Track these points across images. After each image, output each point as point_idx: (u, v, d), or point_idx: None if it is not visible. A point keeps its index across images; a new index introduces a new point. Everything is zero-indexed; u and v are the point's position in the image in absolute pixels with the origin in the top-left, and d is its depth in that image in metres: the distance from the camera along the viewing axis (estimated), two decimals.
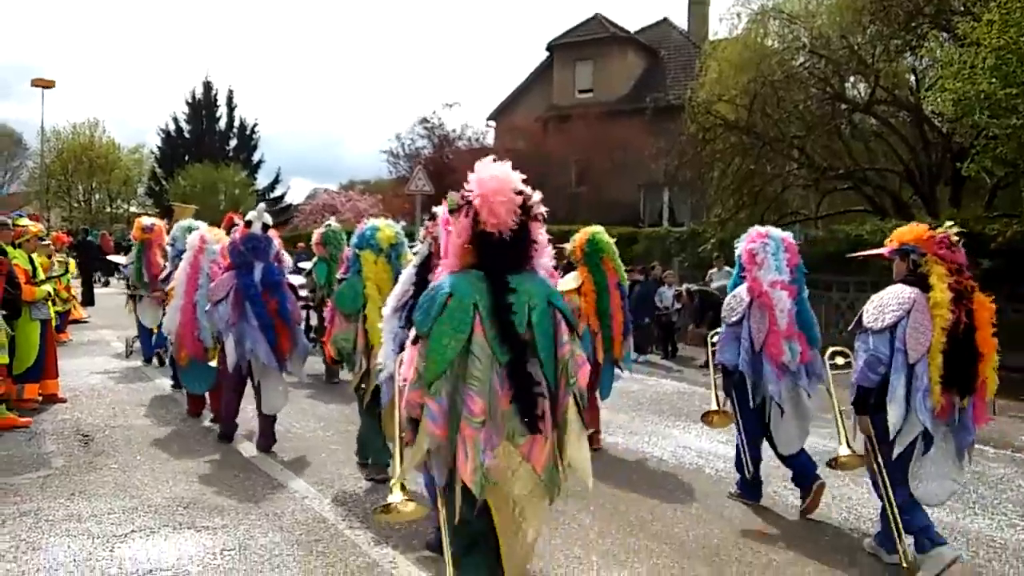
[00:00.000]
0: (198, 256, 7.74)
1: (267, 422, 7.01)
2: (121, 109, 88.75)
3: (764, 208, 17.73)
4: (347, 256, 6.23)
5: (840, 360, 5.30)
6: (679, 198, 24.96)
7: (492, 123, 33.15)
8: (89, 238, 23.90)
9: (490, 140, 32.71)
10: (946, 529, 5.45)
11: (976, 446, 7.60)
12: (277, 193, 47.13)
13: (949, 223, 4.76)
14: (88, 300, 19.08)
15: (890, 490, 4.60)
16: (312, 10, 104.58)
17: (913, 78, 18.04)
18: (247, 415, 7.99)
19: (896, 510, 4.58)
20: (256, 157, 47.63)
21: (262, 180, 46.83)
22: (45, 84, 40.39)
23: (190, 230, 8.44)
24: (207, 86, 47.53)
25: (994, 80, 11.08)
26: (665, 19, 33.03)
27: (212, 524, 5.16)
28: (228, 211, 11.86)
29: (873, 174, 18.29)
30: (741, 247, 5.76)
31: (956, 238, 4.61)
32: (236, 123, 47.91)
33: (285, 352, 6.89)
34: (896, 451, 4.50)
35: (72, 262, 14.86)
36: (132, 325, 12.15)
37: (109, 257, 18.96)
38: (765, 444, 5.81)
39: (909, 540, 4.64)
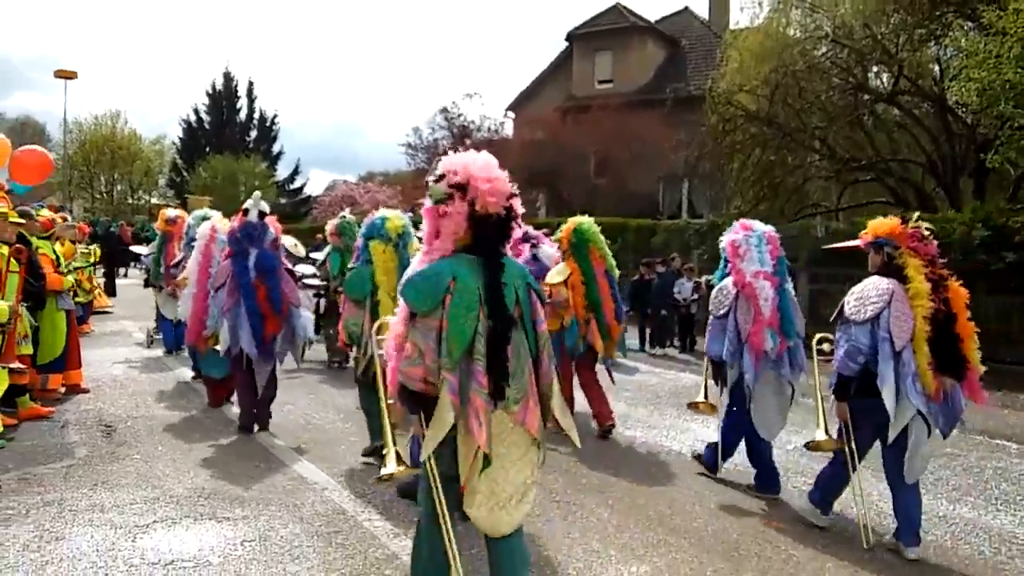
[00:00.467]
0: (209, 245, 7.89)
1: (261, 403, 7.31)
2: (142, 100, 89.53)
3: (785, 200, 17.64)
4: (357, 245, 6.39)
5: (827, 347, 5.42)
6: (698, 190, 24.83)
7: (511, 114, 33.12)
8: (111, 229, 24.12)
9: (509, 131, 32.71)
10: (968, 525, 5.42)
11: (998, 442, 7.65)
12: (297, 184, 47.44)
13: (916, 216, 5.01)
14: (111, 291, 19.28)
15: (857, 464, 4.96)
16: (331, 1, 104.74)
17: (937, 68, 17.84)
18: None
19: (862, 493, 4.99)
20: (276, 148, 47.96)
21: (282, 171, 47.15)
22: (67, 75, 40.70)
23: (205, 219, 8.57)
24: (227, 77, 47.86)
25: (1020, 69, 10.96)
26: (686, 8, 32.87)
27: (233, 515, 5.21)
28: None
29: (896, 165, 18.12)
30: (725, 240, 5.91)
31: (927, 232, 4.88)
32: (256, 114, 48.25)
33: (267, 339, 7.06)
34: (892, 435, 4.75)
35: (97, 251, 14.97)
36: (153, 315, 12.38)
37: (131, 248, 19.14)
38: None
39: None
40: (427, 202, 3.58)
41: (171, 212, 11.35)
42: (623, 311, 7.60)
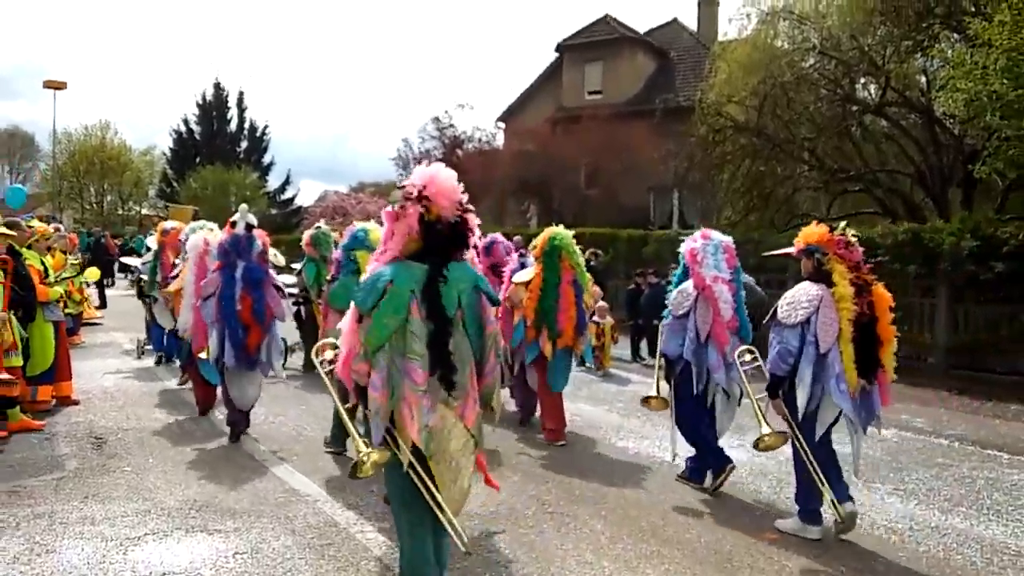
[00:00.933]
0: (203, 257, 7.96)
1: (240, 414, 7.44)
2: (132, 111, 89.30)
3: (774, 211, 17.72)
4: (337, 258, 6.63)
5: (748, 357, 5.85)
6: (689, 200, 24.89)
7: (501, 124, 33.18)
8: (101, 240, 24.03)
9: (500, 142, 32.76)
10: (960, 536, 5.44)
11: (990, 452, 7.70)
12: (288, 195, 47.23)
13: (843, 224, 5.33)
14: (102, 302, 19.20)
15: (814, 459, 5.13)
16: (321, 12, 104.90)
17: (924, 79, 17.96)
18: (257, 418, 8.04)
19: (819, 473, 5.11)
20: (267, 159, 47.67)
21: (273, 182, 46.87)
22: (56, 86, 40.58)
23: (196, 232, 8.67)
24: (217, 87, 47.63)
25: (1006, 81, 11.03)
26: (675, 20, 33.02)
27: (224, 527, 5.18)
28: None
29: (884, 176, 18.22)
30: (684, 248, 6.26)
31: (853, 239, 5.21)
32: (246, 125, 47.99)
33: (251, 349, 7.20)
34: (818, 432, 5.10)
35: (95, 272, 14.92)
36: (143, 326, 12.43)
37: (123, 259, 19.06)
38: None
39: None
40: (388, 207, 3.86)
41: (167, 224, 11.48)
42: (586, 323, 7.83)
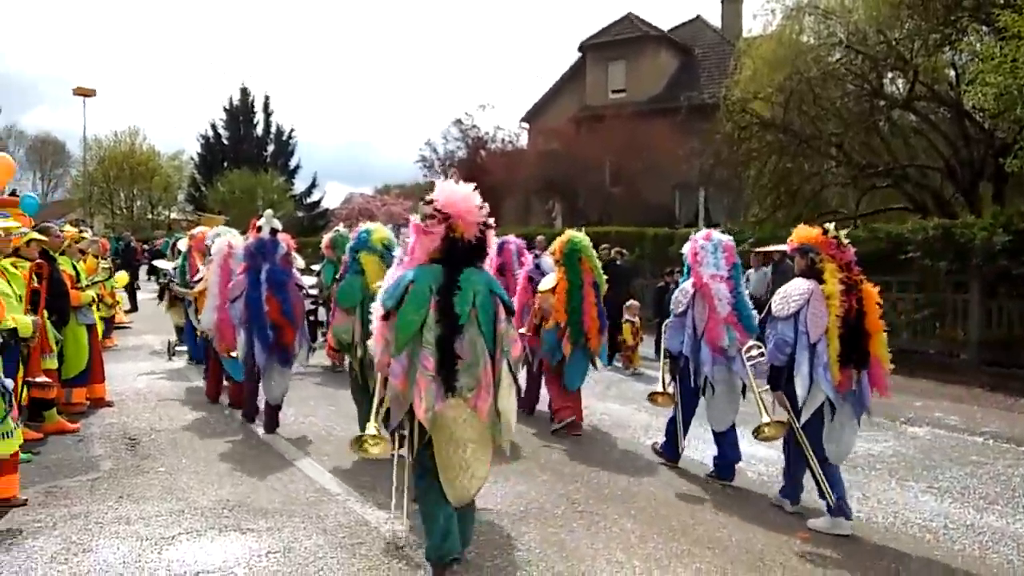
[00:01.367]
0: (227, 260, 8.35)
1: (270, 408, 7.76)
2: (160, 117, 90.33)
3: (802, 207, 17.54)
4: (345, 259, 6.91)
5: (755, 352, 6.14)
6: (714, 198, 24.76)
7: (525, 125, 33.19)
8: (131, 244, 24.31)
9: (523, 142, 32.77)
10: (996, 534, 5.37)
11: None
12: (314, 198, 47.52)
13: (833, 226, 5.60)
14: (132, 306, 19.46)
15: (811, 449, 5.38)
16: (345, 16, 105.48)
17: (953, 73, 17.72)
18: (287, 419, 8.12)
19: (819, 464, 5.36)
20: (293, 162, 48.00)
21: (299, 185, 47.17)
22: (86, 93, 41.19)
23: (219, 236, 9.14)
24: (244, 92, 48.03)
25: None
26: (698, 17, 32.83)
27: (257, 527, 5.23)
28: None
29: (913, 171, 18.01)
30: (686, 248, 6.55)
31: (845, 240, 5.49)
32: (273, 129, 48.36)
33: (288, 347, 7.58)
34: (804, 417, 5.33)
35: (124, 277, 15.19)
36: (172, 329, 12.74)
37: (155, 262, 19.32)
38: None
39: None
40: (415, 218, 4.36)
41: (196, 230, 11.72)
42: (606, 322, 8.08)
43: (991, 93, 11.73)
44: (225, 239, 8.68)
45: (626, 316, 12.11)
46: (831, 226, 5.60)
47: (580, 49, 31.73)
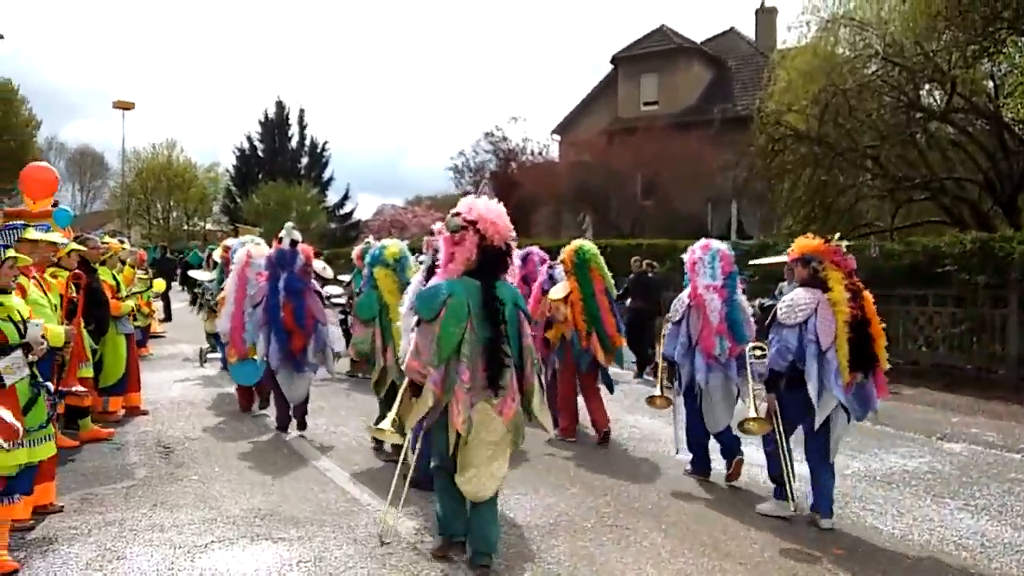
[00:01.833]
0: (244, 269, 8.73)
1: (295, 408, 8.17)
2: (197, 129, 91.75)
3: (837, 220, 17.33)
4: (364, 273, 7.35)
5: (759, 352, 6.26)
6: (748, 210, 24.58)
7: (557, 137, 33.24)
8: (167, 255, 24.66)
9: (554, 153, 32.81)
10: None
11: None
12: (347, 209, 47.90)
13: (837, 236, 5.82)
14: (167, 316, 19.74)
15: (789, 451, 5.77)
16: (378, 28, 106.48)
17: (991, 84, 17.48)
18: (318, 429, 8.19)
19: (791, 467, 5.82)
20: (326, 174, 48.48)
21: (332, 197, 47.60)
22: (125, 106, 41.98)
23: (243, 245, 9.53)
24: (280, 106, 48.68)
25: None
26: (732, 29, 32.73)
27: (288, 536, 5.27)
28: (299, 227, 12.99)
29: (951, 183, 17.75)
30: (686, 257, 6.73)
31: (846, 249, 5.69)
32: (307, 142, 48.92)
33: (296, 352, 7.87)
34: (818, 421, 5.52)
35: (161, 283, 15.43)
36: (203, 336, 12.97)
37: (190, 273, 19.59)
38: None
39: None
40: (444, 231, 4.71)
41: (230, 241, 11.90)
42: (622, 327, 8.27)
43: None
44: (245, 249, 9.07)
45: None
46: (836, 236, 5.80)
47: (612, 61, 31.75)
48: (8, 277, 4.99)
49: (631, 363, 12.94)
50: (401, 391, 4.99)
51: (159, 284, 13.87)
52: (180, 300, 23.85)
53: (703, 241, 6.79)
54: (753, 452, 6.68)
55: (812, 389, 5.45)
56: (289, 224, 8.34)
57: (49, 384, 5.40)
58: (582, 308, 7.85)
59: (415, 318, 4.68)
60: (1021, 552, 5.28)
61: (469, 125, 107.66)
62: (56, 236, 7.30)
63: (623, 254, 16.31)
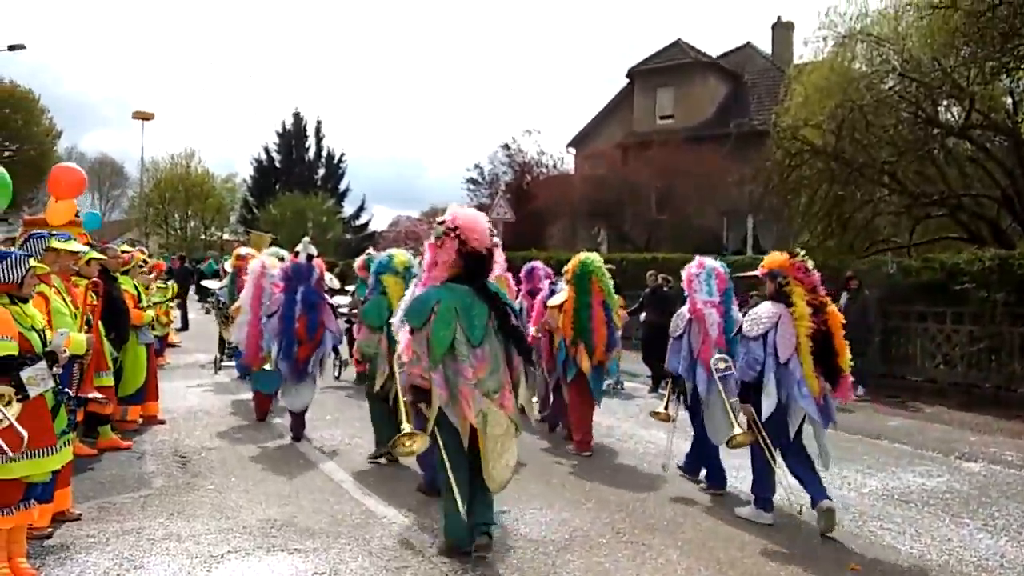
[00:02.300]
0: (260, 279, 9.01)
1: (294, 416, 8.43)
2: (215, 140, 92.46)
3: (854, 235, 17.26)
4: (370, 280, 7.47)
5: (721, 365, 6.55)
6: (764, 225, 24.51)
7: (572, 150, 33.29)
8: (186, 265, 24.81)
9: (570, 166, 32.85)
10: None
11: None
12: (362, 220, 48.10)
13: (802, 252, 6.00)
14: (183, 325, 19.85)
15: (774, 454, 5.94)
16: (395, 40, 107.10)
17: (1011, 101, 17.37)
18: (333, 440, 8.21)
19: (800, 479, 5.92)
20: (343, 186, 48.75)
21: (348, 208, 47.85)
22: (145, 116, 42.46)
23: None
24: (297, 117, 49.01)
25: None
26: (748, 43, 32.70)
27: (304, 547, 5.28)
28: (315, 238, 13.25)
29: (969, 200, 17.63)
30: (683, 274, 7.01)
31: (811, 265, 5.91)
32: (324, 153, 49.22)
33: (300, 361, 8.17)
34: (791, 432, 5.82)
35: (174, 287, 15.62)
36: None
37: (203, 282, 19.72)
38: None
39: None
40: (430, 240, 5.03)
41: (242, 250, 12.05)
42: (617, 341, 8.37)
43: None
44: (258, 261, 9.41)
45: None
46: (801, 252, 6.02)
47: (628, 75, 31.80)
48: (31, 287, 5.03)
49: (647, 377, 12.92)
50: (401, 402, 5.36)
51: (173, 286, 14.16)
52: (196, 310, 24.01)
53: (698, 259, 7.10)
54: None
55: (766, 400, 5.72)
56: (306, 239, 8.68)
57: (68, 391, 5.44)
58: (573, 317, 8.04)
59: (407, 328, 4.97)
60: None
61: (486, 137, 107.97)
62: (77, 245, 7.37)
63: (638, 268, 16.31)
